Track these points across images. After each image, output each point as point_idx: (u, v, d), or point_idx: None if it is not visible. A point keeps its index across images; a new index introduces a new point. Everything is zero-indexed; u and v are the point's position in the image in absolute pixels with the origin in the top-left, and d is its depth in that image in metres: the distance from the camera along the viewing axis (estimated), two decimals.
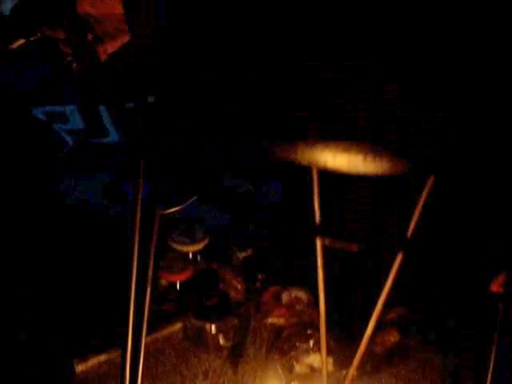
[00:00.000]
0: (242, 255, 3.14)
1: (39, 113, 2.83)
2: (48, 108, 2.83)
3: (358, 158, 2.21)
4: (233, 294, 3.07)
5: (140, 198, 2.60)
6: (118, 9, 2.77)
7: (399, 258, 2.34)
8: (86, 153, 2.90)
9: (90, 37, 2.78)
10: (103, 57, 2.81)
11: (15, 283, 2.71)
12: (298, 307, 3.05)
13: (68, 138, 2.85)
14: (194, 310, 2.84)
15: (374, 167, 2.22)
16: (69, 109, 2.82)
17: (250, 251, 3.15)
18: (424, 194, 2.44)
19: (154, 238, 2.63)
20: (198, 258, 3.03)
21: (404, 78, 2.58)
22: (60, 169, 2.88)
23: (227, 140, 3.03)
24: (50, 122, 2.83)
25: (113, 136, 2.87)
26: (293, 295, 3.08)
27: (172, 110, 2.81)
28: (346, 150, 2.24)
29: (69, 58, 2.76)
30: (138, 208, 2.54)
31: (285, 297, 3.09)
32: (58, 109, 2.83)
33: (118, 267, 2.73)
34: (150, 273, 2.66)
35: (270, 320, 3.01)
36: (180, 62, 2.80)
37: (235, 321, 2.91)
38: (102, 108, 2.85)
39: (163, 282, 2.92)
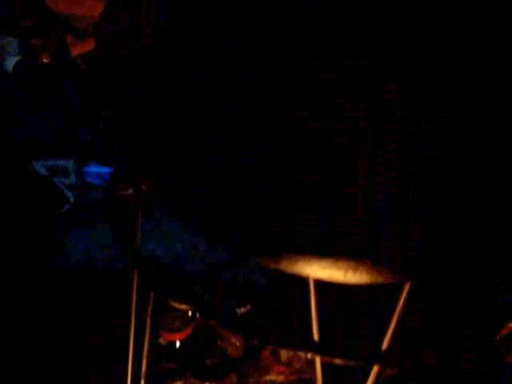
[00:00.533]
0: (240, 311, 3.12)
1: (41, 167, 2.81)
2: (50, 162, 2.82)
3: (350, 271, 2.37)
4: (231, 350, 3.05)
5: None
6: (93, 12, 2.80)
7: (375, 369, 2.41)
8: (86, 207, 2.88)
9: (60, 32, 2.81)
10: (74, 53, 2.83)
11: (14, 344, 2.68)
12: (296, 365, 3.03)
13: (69, 194, 2.83)
14: (193, 369, 2.81)
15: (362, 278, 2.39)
16: (71, 163, 2.81)
17: (248, 307, 3.13)
18: (401, 301, 2.49)
19: (151, 298, 2.64)
20: (197, 315, 3.01)
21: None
22: (61, 225, 2.86)
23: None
24: (51, 177, 2.81)
25: None
26: (292, 352, 3.06)
27: None
28: (343, 263, 2.39)
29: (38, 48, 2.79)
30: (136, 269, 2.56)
31: (284, 354, 3.07)
32: (60, 163, 2.81)
33: (118, 324, 2.72)
34: (148, 331, 2.65)
35: (268, 377, 2.99)
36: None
37: (234, 378, 2.88)
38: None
39: (162, 340, 2.89)
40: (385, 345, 2.41)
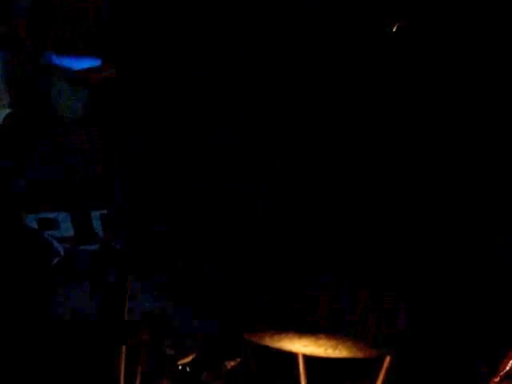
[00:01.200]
0: (230, 364, 3.10)
1: (32, 220, 2.82)
2: (41, 215, 2.83)
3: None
4: None
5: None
6: None
7: None
8: (76, 261, 2.88)
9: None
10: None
11: None
12: None
13: (59, 247, 2.83)
14: None
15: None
16: (61, 216, 2.82)
17: (238, 360, 3.11)
18: (381, 375, 2.54)
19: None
20: (187, 369, 2.98)
21: None
22: (51, 279, 2.85)
23: None
24: (41, 230, 2.81)
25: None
26: None
27: None
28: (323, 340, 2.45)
29: None
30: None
31: None
32: (51, 215, 2.82)
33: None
34: None
35: None
36: None
37: None
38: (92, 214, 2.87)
39: None
40: None
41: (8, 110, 2.85)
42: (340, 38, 2.58)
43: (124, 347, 2.80)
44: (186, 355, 2.93)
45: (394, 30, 2.46)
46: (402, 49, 2.56)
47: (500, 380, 2.54)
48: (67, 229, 2.84)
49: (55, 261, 2.83)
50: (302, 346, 2.56)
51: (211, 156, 2.61)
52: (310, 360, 2.87)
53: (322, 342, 2.48)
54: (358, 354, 2.53)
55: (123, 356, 2.83)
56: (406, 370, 2.87)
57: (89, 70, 2.80)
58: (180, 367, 2.93)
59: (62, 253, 2.83)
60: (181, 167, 2.74)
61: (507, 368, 2.51)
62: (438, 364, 2.83)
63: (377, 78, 2.62)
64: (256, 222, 2.62)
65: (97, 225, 2.86)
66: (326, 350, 2.49)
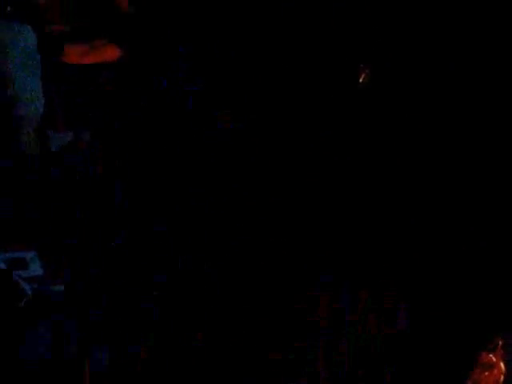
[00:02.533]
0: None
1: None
2: (8, 254, 2.78)
3: None
4: None
5: None
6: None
7: None
8: (44, 302, 2.83)
9: None
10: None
11: None
12: None
13: (27, 287, 2.78)
14: None
15: None
16: (29, 255, 2.79)
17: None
18: None
19: None
20: None
21: None
22: (18, 321, 2.77)
23: None
24: (10, 270, 2.76)
25: None
26: None
27: None
28: None
29: None
30: None
31: None
32: (19, 254, 2.78)
33: None
34: None
35: None
36: None
37: None
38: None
39: None
40: None
41: None
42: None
43: None
44: None
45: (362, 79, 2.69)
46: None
47: (479, 371, 2.72)
48: (36, 268, 2.80)
49: (24, 301, 2.76)
50: None
51: (210, 156, 2.65)
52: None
53: None
54: None
55: None
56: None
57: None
58: None
59: (30, 293, 2.78)
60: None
61: (485, 360, 2.71)
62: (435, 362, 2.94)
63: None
64: (256, 221, 2.68)
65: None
66: None
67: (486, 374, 2.77)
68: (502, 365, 2.76)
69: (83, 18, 2.98)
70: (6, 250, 2.77)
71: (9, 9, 2.85)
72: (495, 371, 2.76)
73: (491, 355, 2.77)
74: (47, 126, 2.95)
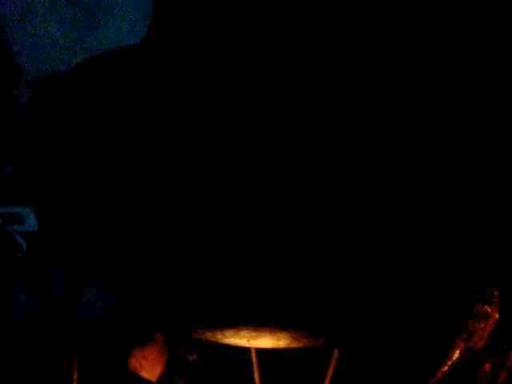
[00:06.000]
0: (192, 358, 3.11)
1: None
2: (2, 209, 2.82)
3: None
4: None
5: None
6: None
7: None
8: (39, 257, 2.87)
9: None
10: None
11: None
12: None
13: (22, 242, 2.82)
14: None
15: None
16: (25, 210, 2.82)
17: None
18: (332, 364, 2.73)
19: None
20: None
21: None
22: (11, 276, 2.82)
23: None
24: (3, 224, 2.80)
25: None
26: None
27: None
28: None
29: None
30: None
31: None
32: (14, 209, 2.82)
33: None
34: None
35: None
36: None
37: None
38: None
39: None
40: None
41: None
42: None
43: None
44: None
45: None
46: None
47: (448, 369, 2.70)
48: (31, 224, 2.83)
49: (18, 255, 2.81)
50: (249, 340, 2.66)
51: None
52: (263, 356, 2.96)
53: (269, 334, 2.60)
54: (301, 343, 2.65)
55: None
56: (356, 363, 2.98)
57: None
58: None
59: (25, 248, 2.82)
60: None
61: (454, 357, 2.69)
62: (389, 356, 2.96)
63: None
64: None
65: None
66: (275, 341, 2.61)
67: (481, 324, 2.75)
68: (497, 315, 2.73)
69: None
70: (1, 204, 2.80)
71: None
72: (490, 322, 2.74)
73: (486, 306, 2.75)
74: None
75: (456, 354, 2.80)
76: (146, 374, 3.02)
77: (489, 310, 2.75)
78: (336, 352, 2.92)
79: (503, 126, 2.55)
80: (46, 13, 2.78)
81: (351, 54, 2.55)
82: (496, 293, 2.75)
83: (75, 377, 2.94)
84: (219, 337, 2.69)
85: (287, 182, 2.54)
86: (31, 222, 2.81)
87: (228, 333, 2.65)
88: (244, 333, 2.64)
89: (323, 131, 2.53)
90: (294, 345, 2.69)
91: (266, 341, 2.67)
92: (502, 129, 2.55)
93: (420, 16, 2.55)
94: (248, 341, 2.68)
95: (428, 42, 2.56)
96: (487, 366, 2.75)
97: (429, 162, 2.56)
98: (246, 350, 2.99)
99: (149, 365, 3.04)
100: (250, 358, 3.04)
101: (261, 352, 3.01)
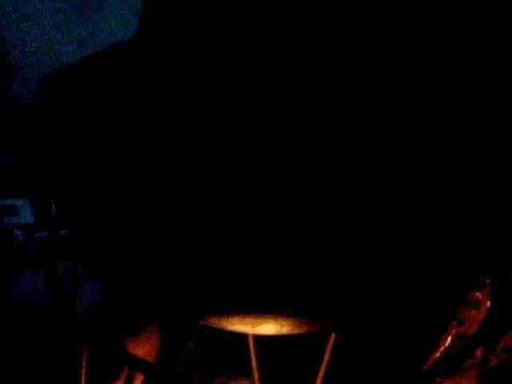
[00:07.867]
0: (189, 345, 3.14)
1: None
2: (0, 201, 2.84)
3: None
4: None
5: None
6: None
7: None
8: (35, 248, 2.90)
9: None
10: None
11: None
12: None
13: (18, 233, 2.85)
14: None
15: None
16: (20, 202, 2.84)
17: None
18: (328, 350, 2.74)
19: None
20: None
21: None
22: (8, 265, 2.84)
23: None
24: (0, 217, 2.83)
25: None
26: None
27: None
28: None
29: None
30: None
31: None
32: (9, 202, 2.84)
33: None
34: None
35: None
36: None
37: None
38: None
39: None
40: None
41: None
42: None
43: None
44: None
45: None
46: None
47: (440, 356, 2.72)
48: (26, 215, 2.86)
49: (14, 246, 2.83)
50: (254, 327, 2.67)
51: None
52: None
53: (273, 321, 2.60)
54: (299, 330, 2.63)
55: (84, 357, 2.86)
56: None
57: None
58: None
59: (21, 239, 2.85)
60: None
61: (446, 344, 2.71)
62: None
63: None
64: None
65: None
66: (279, 328, 2.59)
67: (473, 311, 2.77)
68: (488, 303, 2.76)
69: None
70: None
71: None
72: (482, 309, 2.76)
73: (478, 293, 2.77)
74: None
75: (448, 341, 2.83)
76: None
77: (480, 297, 2.77)
78: (332, 338, 2.94)
79: (493, 124, 2.55)
80: (38, 5, 2.78)
81: (351, 54, 2.55)
82: (487, 280, 2.76)
83: (84, 363, 2.96)
84: (224, 323, 2.70)
85: (288, 170, 2.56)
86: (26, 214, 2.84)
87: (233, 320, 2.67)
88: (249, 319, 2.66)
89: (322, 129, 2.54)
90: (296, 331, 2.71)
91: (270, 327, 2.68)
92: (491, 126, 2.55)
93: (420, 16, 2.55)
94: (253, 327, 2.70)
95: (428, 42, 2.55)
96: (478, 353, 2.77)
97: (421, 152, 2.56)
98: (243, 337, 3.01)
99: (146, 351, 3.07)
100: (247, 345, 3.07)
101: (258, 339, 3.04)
